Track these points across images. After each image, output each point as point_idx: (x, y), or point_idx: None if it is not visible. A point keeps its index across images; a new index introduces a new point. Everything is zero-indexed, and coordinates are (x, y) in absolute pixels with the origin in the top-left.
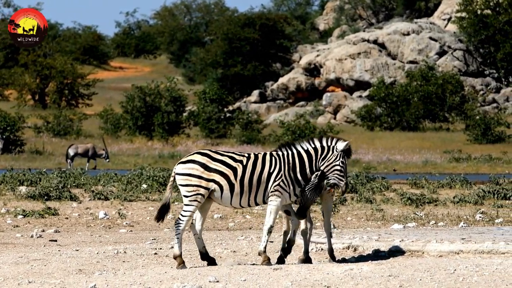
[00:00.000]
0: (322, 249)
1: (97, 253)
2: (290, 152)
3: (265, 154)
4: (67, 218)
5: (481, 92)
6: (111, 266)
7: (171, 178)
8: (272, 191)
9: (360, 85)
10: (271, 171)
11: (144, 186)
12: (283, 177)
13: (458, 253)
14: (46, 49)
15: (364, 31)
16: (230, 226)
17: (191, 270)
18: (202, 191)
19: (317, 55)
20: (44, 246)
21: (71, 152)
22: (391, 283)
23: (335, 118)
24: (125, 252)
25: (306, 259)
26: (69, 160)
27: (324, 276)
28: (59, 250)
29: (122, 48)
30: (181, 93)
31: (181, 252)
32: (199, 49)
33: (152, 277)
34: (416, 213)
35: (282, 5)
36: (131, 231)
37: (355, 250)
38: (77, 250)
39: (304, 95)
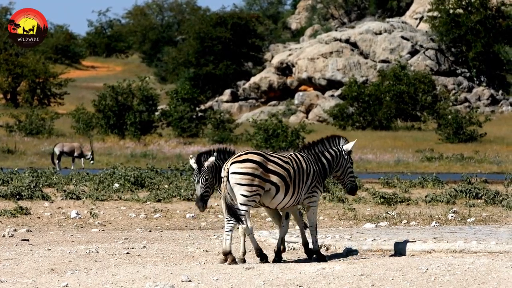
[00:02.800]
0: (294, 248)
1: (69, 252)
2: (313, 153)
3: (296, 155)
4: (39, 217)
5: (453, 91)
6: (83, 265)
7: (224, 179)
8: (311, 191)
9: (332, 84)
10: (308, 171)
11: (116, 185)
12: (317, 177)
13: (430, 252)
14: (18, 48)
15: (336, 30)
16: (203, 225)
17: (163, 269)
18: (260, 191)
19: (289, 54)
20: (16, 245)
21: (57, 150)
22: (363, 282)
23: (307, 117)
24: (97, 252)
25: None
26: (56, 161)
27: (297, 276)
28: (31, 250)
29: (94, 47)
30: (153, 93)
31: (231, 249)
32: (171, 48)
33: (124, 276)
34: (388, 212)
35: (254, 4)
36: (103, 230)
37: (327, 249)
38: (49, 250)
39: (276, 94)
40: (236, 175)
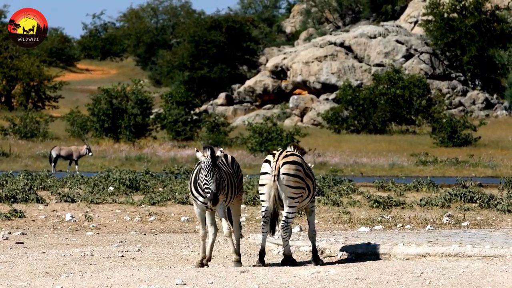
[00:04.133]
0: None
1: (64, 255)
2: None
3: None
4: (33, 220)
5: (448, 95)
6: (78, 268)
7: (273, 178)
8: (314, 196)
9: (327, 88)
10: (314, 178)
11: (111, 188)
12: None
13: (425, 256)
14: (13, 51)
15: (330, 34)
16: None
17: (158, 272)
18: (304, 193)
19: (284, 58)
20: (11, 248)
21: (54, 153)
22: (358, 286)
23: (302, 121)
24: (92, 255)
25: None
26: (52, 163)
27: (291, 279)
28: (25, 253)
29: (88, 50)
30: (148, 96)
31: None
32: (165, 52)
33: (119, 279)
34: (383, 216)
35: (249, 7)
36: (98, 233)
37: (322, 253)
38: (44, 253)
39: (271, 97)
40: (288, 177)
